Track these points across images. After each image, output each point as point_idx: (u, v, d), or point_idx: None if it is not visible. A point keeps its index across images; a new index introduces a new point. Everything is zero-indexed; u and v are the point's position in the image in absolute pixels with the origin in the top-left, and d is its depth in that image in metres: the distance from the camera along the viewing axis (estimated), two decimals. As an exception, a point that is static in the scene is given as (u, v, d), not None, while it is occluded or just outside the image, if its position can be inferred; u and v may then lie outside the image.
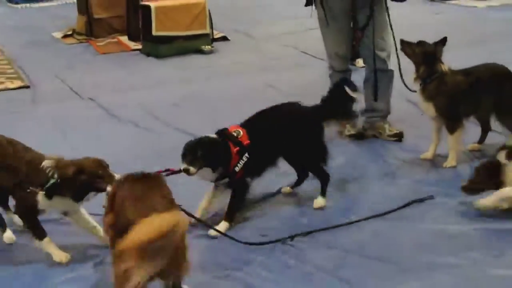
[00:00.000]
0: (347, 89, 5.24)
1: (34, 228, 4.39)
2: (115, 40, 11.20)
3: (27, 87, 8.81)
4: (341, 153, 5.84)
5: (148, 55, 10.09)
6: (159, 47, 9.98)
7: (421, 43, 5.66)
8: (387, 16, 6.03)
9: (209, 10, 10.26)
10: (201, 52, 10.01)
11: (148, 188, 3.80)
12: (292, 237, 4.46)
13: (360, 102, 5.76)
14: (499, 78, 5.55)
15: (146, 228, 3.39)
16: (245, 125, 4.92)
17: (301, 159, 5.17)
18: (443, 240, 4.49)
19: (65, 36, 11.87)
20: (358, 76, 6.49)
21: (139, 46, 10.49)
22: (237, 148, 4.68)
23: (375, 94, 6.11)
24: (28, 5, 15.98)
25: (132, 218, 3.55)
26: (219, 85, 8.42)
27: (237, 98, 7.76)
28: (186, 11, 10.11)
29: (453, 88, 5.48)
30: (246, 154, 4.70)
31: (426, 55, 5.54)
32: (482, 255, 4.26)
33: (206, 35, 10.24)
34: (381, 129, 6.10)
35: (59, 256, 4.40)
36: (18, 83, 8.97)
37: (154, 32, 9.95)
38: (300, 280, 4.12)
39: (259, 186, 5.13)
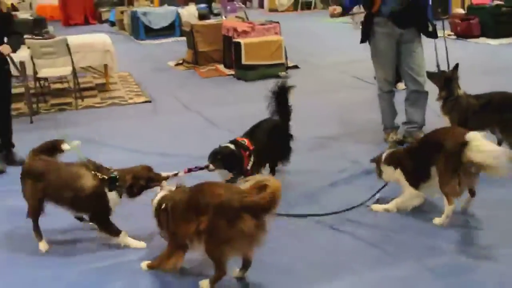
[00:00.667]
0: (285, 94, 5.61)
1: (111, 228, 4.28)
2: (214, 67, 11.34)
3: (150, 101, 9.05)
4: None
5: (238, 78, 10.20)
6: (247, 73, 10.06)
7: (441, 72, 5.72)
8: (422, 49, 6.05)
9: (284, 46, 10.33)
10: (278, 77, 9.92)
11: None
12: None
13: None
14: (506, 102, 5.43)
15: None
16: (246, 135, 5.10)
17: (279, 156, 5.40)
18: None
19: (177, 64, 12.11)
20: (399, 96, 6.48)
21: (232, 72, 10.59)
22: (247, 152, 4.85)
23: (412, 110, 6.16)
24: (150, 41, 16.28)
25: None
26: (296, 101, 8.41)
27: (305, 112, 7.78)
28: (267, 46, 10.19)
29: (465, 107, 5.45)
30: (253, 157, 4.90)
31: (445, 80, 5.55)
32: None
33: (282, 64, 10.29)
34: (417, 137, 6.04)
35: (137, 244, 4.29)
36: (143, 99, 9.22)
37: (243, 62, 10.07)
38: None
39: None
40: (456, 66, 5.64)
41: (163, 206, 3.79)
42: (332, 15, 6.24)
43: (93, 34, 11.19)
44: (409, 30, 5.93)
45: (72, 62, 8.97)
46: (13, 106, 9.18)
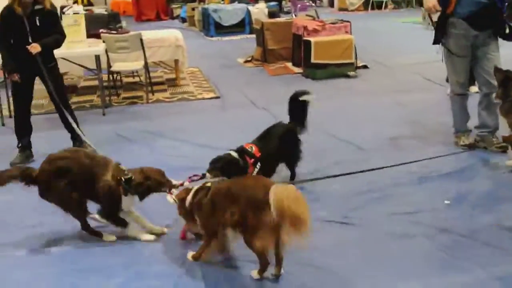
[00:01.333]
0: (301, 97, 5.59)
1: (118, 221, 4.42)
2: (282, 65, 11.39)
3: (218, 97, 9.17)
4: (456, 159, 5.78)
5: (307, 77, 10.19)
6: (316, 72, 10.04)
7: (499, 70, 5.51)
8: (498, 51, 5.87)
9: (354, 45, 10.25)
10: (347, 76, 10.01)
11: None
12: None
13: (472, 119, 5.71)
14: None
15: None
16: (255, 142, 5.09)
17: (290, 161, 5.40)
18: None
19: (246, 61, 12.22)
20: (472, 99, 6.31)
21: (301, 70, 10.59)
22: (252, 159, 4.84)
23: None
24: (219, 38, 16.47)
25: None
26: (359, 101, 8.41)
27: (372, 112, 7.77)
28: (338, 45, 10.13)
29: None
30: (259, 164, 4.87)
31: (504, 78, 5.39)
32: None
33: (352, 63, 10.20)
34: (489, 142, 5.91)
35: (146, 237, 4.40)
36: (211, 94, 9.35)
37: (312, 60, 10.05)
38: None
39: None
40: None
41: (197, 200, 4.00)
42: (430, 10, 6.00)
43: (165, 29, 11.37)
44: (485, 32, 5.77)
45: (145, 56, 9.19)
46: (86, 98, 9.60)
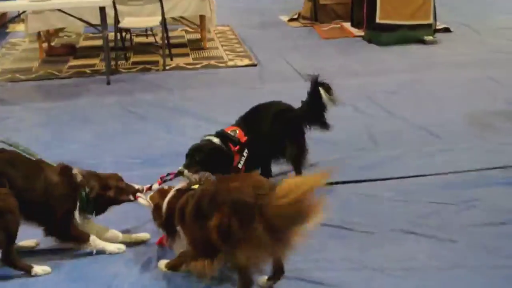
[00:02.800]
0: (322, 93, 5.24)
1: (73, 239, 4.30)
2: (338, 26, 11.35)
3: (255, 65, 9.18)
4: None
5: (369, 42, 10.17)
6: (382, 35, 10.00)
7: None
8: None
9: (434, 0, 10.15)
10: (422, 42, 9.94)
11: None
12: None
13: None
14: None
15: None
16: (240, 123, 4.99)
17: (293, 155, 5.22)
18: None
19: (291, 19, 12.22)
20: None
21: (362, 33, 10.56)
22: (237, 146, 4.74)
23: None
24: (257, -12, 16.48)
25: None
26: (438, 75, 8.32)
27: (456, 89, 7.69)
28: (411, 0, 10.05)
29: None
30: (246, 151, 4.77)
31: None
32: None
33: (429, 25, 10.12)
34: None
35: (113, 248, 4.32)
36: (246, 61, 9.39)
37: (378, 20, 10.01)
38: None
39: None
40: None
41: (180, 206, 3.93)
42: None
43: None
44: None
45: (162, 10, 9.21)
46: (88, 62, 9.70)
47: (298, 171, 5.16)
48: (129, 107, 7.50)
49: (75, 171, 4.28)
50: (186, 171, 4.53)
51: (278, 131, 5.08)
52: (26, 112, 7.52)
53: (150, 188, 4.46)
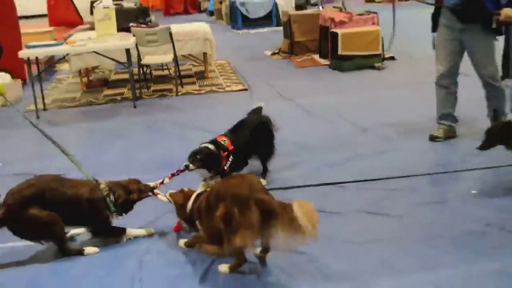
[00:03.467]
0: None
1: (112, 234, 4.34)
2: (309, 57, 11.32)
3: (246, 89, 9.16)
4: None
5: (334, 69, 10.09)
6: (343, 63, 9.96)
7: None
8: (489, 45, 5.72)
9: (382, 37, 10.17)
10: (374, 68, 9.93)
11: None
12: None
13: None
14: None
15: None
16: (227, 134, 5.05)
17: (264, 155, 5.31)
18: None
19: (273, 53, 12.16)
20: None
21: (328, 62, 10.52)
22: (226, 152, 4.82)
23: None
24: (247, 30, 16.40)
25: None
26: (387, 93, 8.34)
27: (399, 103, 7.74)
28: (364, 36, 10.06)
29: None
30: (231, 157, 4.84)
31: None
32: None
33: (379, 55, 10.10)
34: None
35: (142, 232, 4.37)
36: (240, 87, 9.34)
37: (339, 52, 9.96)
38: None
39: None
40: None
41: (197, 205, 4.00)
42: None
43: (193, 23, 11.39)
44: (471, 25, 5.62)
45: (174, 50, 9.23)
46: (118, 91, 9.70)
47: (265, 166, 5.33)
48: (150, 125, 7.52)
49: (102, 185, 4.25)
50: (190, 165, 4.58)
51: (255, 140, 5.18)
52: (71, 131, 7.54)
53: (162, 183, 4.50)
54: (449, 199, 4.74)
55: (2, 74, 9.33)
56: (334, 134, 6.52)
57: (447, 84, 5.98)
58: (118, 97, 9.28)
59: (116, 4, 13.31)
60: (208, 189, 4.07)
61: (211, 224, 3.78)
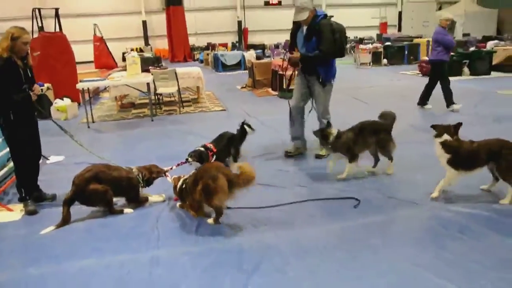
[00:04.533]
0: (246, 128, 5.41)
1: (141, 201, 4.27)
2: (265, 90, 11.41)
3: (225, 110, 9.18)
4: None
5: (281, 97, 10.13)
6: (287, 94, 9.72)
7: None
8: (323, 93, 5.25)
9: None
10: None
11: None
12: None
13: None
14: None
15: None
16: (213, 142, 5.07)
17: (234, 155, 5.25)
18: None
19: (242, 87, 12.25)
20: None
21: (277, 93, 10.64)
22: (211, 153, 4.87)
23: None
24: (225, 73, 16.51)
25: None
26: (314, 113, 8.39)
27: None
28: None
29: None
30: (215, 156, 4.88)
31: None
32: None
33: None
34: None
35: (159, 198, 4.33)
36: (220, 108, 9.38)
37: (284, 87, 10.05)
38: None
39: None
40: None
41: (183, 186, 3.97)
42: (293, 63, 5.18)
43: (189, 67, 11.46)
44: (310, 76, 5.26)
45: (178, 84, 9.27)
46: (141, 110, 9.65)
47: (235, 160, 5.24)
48: (163, 132, 7.46)
49: (134, 169, 4.25)
50: (190, 159, 4.62)
51: (228, 145, 5.21)
52: (110, 136, 7.50)
53: (171, 168, 4.53)
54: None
55: (66, 99, 9.27)
56: (277, 138, 6.45)
57: (295, 116, 5.55)
58: (141, 114, 9.26)
59: (139, 54, 13.31)
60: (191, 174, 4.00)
61: (193, 198, 3.80)
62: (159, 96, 10.02)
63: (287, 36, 26.93)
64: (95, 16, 24.19)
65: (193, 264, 3.21)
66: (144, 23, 27.49)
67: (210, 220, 3.81)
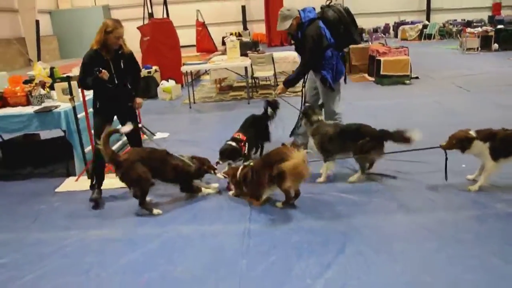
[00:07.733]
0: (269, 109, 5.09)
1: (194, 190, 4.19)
2: (362, 75, 11.18)
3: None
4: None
5: (377, 83, 9.95)
6: (383, 80, 9.80)
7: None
8: (326, 95, 4.86)
9: (410, 63, 9.86)
10: (404, 84, 9.71)
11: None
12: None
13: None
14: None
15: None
16: (240, 130, 4.78)
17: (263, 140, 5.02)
18: None
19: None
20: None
21: (373, 79, 10.36)
22: (242, 143, 4.56)
23: None
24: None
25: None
26: (412, 100, 8.10)
27: (422, 107, 7.50)
28: (398, 63, 9.81)
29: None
30: (246, 144, 4.60)
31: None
32: None
33: (407, 75, 9.84)
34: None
35: (209, 190, 4.23)
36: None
37: (381, 72, 9.82)
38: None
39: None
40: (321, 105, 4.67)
41: (246, 173, 3.87)
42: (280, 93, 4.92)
43: (286, 51, 11.55)
44: (316, 77, 4.88)
45: (274, 68, 9.41)
46: (238, 93, 9.99)
47: (261, 148, 5.09)
48: (258, 114, 7.63)
49: (185, 158, 4.12)
50: (221, 161, 4.44)
51: (256, 128, 4.99)
52: (210, 116, 7.89)
53: (216, 164, 4.39)
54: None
55: (171, 81, 9.93)
56: (374, 124, 6.31)
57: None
58: (238, 97, 9.56)
59: (238, 39, 13.71)
60: (250, 164, 3.91)
61: (256, 184, 3.76)
62: (255, 79, 10.24)
63: (387, 20, 25.83)
64: (198, 2, 25.27)
65: (283, 239, 3.36)
66: (243, 8, 28.06)
67: (279, 204, 3.83)
